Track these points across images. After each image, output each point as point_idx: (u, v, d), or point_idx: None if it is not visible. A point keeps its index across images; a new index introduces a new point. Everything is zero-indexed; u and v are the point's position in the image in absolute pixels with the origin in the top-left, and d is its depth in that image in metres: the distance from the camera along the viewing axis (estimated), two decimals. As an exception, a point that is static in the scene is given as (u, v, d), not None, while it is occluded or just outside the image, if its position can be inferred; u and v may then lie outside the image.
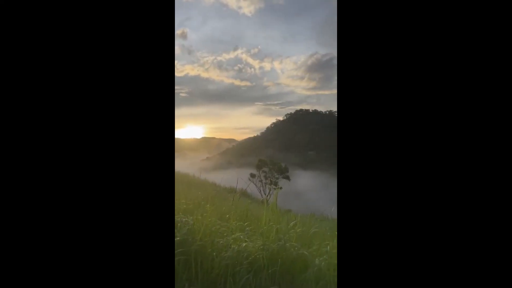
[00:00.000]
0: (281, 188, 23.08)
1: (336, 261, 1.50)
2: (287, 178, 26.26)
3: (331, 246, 1.69)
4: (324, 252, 1.64)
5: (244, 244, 1.61)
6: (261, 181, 25.57)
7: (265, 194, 21.45)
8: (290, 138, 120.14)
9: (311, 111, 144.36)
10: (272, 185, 24.20)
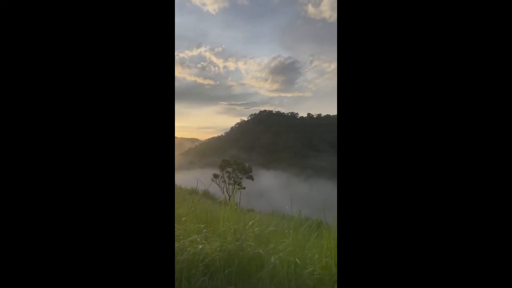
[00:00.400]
0: (244, 188, 23.21)
1: (290, 258, 1.57)
2: (251, 178, 26.49)
3: (287, 243, 1.75)
4: (280, 249, 1.70)
5: (200, 246, 1.58)
6: (224, 181, 25.38)
7: (228, 195, 21.33)
8: (254, 139, 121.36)
9: (274, 112, 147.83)
10: (235, 185, 24.19)
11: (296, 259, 1.55)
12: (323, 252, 1.71)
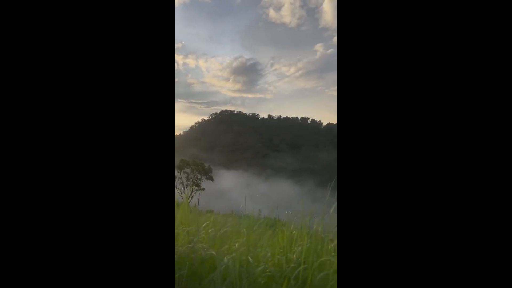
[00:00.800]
0: (203, 189, 22.73)
1: (243, 257, 1.58)
2: (211, 178, 26.04)
3: (241, 243, 1.76)
4: (234, 249, 1.70)
5: (149, 251, 1.50)
6: (182, 182, 24.49)
7: (183, 196, 20.64)
8: (215, 138, 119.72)
9: (236, 112, 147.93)
10: (194, 187, 23.52)
11: (249, 257, 1.57)
12: (275, 249, 1.76)
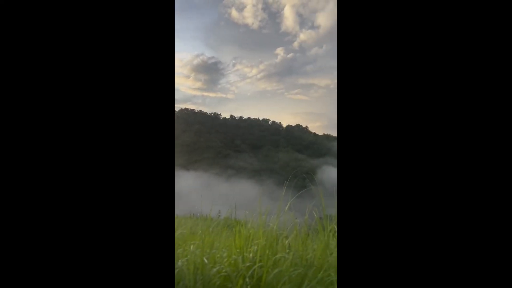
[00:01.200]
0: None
1: (198, 259, 1.55)
2: (168, 179, 24.89)
3: (196, 245, 1.72)
4: (189, 252, 1.66)
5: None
6: (137, 184, 22.92)
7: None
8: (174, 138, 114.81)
9: (196, 111, 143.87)
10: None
11: (205, 259, 1.55)
12: (232, 249, 1.77)
